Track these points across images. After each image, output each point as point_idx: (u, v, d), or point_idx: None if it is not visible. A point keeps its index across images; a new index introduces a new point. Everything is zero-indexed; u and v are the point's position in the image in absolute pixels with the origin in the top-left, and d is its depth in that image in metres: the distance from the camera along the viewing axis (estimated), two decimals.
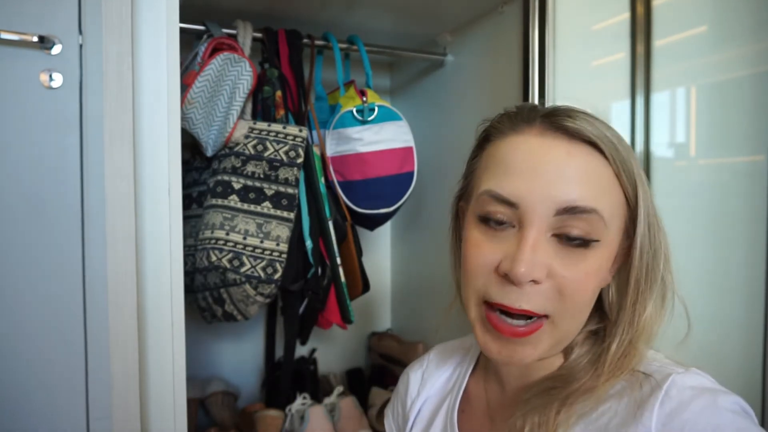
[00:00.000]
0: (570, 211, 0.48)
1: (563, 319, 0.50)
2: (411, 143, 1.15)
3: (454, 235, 0.64)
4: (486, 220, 0.51)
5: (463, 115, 1.23)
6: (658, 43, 1.06)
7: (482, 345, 0.52)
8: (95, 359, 0.68)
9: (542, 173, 0.48)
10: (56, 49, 0.66)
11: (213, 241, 0.95)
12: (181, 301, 0.73)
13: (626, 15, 1.05)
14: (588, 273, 0.49)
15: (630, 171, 0.50)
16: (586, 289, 0.49)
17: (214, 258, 0.94)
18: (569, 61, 1.00)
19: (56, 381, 0.66)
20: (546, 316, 0.50)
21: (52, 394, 0.66)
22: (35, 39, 0.64)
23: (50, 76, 0.66)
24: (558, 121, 0.50)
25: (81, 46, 0.67)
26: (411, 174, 1.14)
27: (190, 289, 0.99)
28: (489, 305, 0.51)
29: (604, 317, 0.55)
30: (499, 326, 0.50)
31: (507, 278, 0.49)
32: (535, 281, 0.48)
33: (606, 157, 0.49)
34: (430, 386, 0.67)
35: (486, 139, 0.56)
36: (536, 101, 0.99)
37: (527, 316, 0.49)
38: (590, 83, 1.04)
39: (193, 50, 1.00)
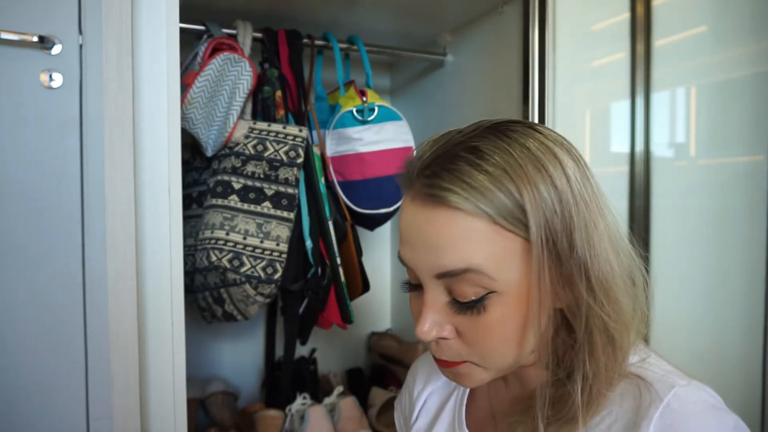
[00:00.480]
0: (445, 275, 0.49)
1: (485, 361, 0.51)
2: (411, 143, 1.15)
3: None
4: (409, 284, 0.55)
5: (463, 115, 1.23)
6: (658, 43, 1.06)
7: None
8: (95, 359, 0.68)
9: (415, 242, 0.50)
10: (56, 49, 0.66)
11: (213, 241, 0.95)
12: (181, 301, 0.73)
13: (626, 15, 1.05)
14: (489, 326, 0.49)
15: (510, 209, 0.47)
16: (494, 337, 0.50)
17: (214, 258, 0.94)
18: (569, 61, 1.00)
19: (56, 381, 0.66)
20: (465, 361, 0.52)
21: (52, 394, 0.66)
22: (35, 39, 0.64)
23: (50, 76, 0.66)
24: (422, 187, 0.49)
25: (81, 46, 0.67)
26: None
27: (190, 289, 0.99)
28: None
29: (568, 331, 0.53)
30: (436, 361, 0.54)
31: None
32: (443, 338, 0.51)
33: (471, 215, 0.47)
34: (437, 379, 0.68)
35: None
36: (536, 101, 0.99)
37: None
38: (590, 83, 1.04)
39: (193, 50, 1.00)
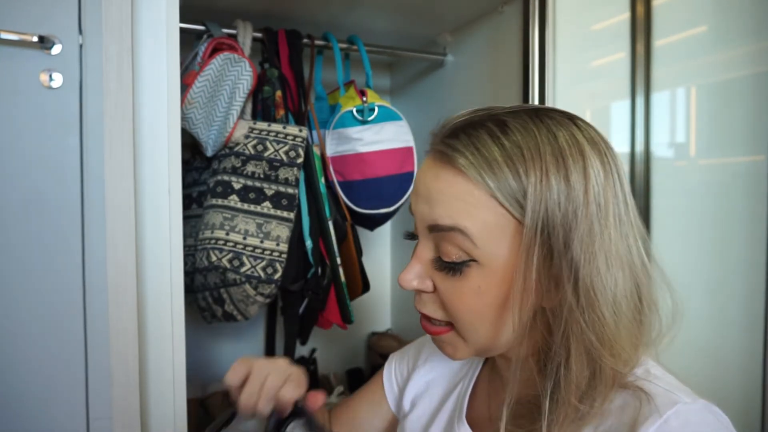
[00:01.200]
0: (435, 229, 0.50)
1: (464, 331, 0.52)
2: (411, 143, 1.15)
3: None
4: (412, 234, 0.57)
5: None
6: (658, 43, 1.06)
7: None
8: (95, 359, 0.68)
9: (420, 193, 0.53)
10: (56, 49, 0.66)
11: (213, 241, 0.95)
12: (181, 301, 0.73)
13: (626, 15, 1.05)
14: (464, 293, 0.50)
15: (512, 188, 0.47)
16: (467, 307, 0.50)
17: (214, 258, 0.94)
18: (569, 61, 1.00)
19: (56, 381, 0.66)
20: (449, 326, 0.53)
21: (52, 394, 0.66)
22: (35, 39, 0.64)
23: (50, 76, 0.66)
24: (439, 146, 0.52)
25: (81, 46, 0.67)
26: (411, 174, 1.14)
27: (190, 289, 0.99)
28: None
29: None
30: (422, 323, 0.56)
31: None
32: (421, 290, 0.53)
33: (473, 182, 0.48)
34: (439, 361, 0.69)
35: None
36: (536, 101, 0.99)
37: (430, 319, 0.54)
38: (590, 83, 1.04)
39: (193, 50, 1.00)
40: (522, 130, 0.48)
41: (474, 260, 0.49)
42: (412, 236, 0.56)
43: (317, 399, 0.56)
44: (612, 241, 0.47)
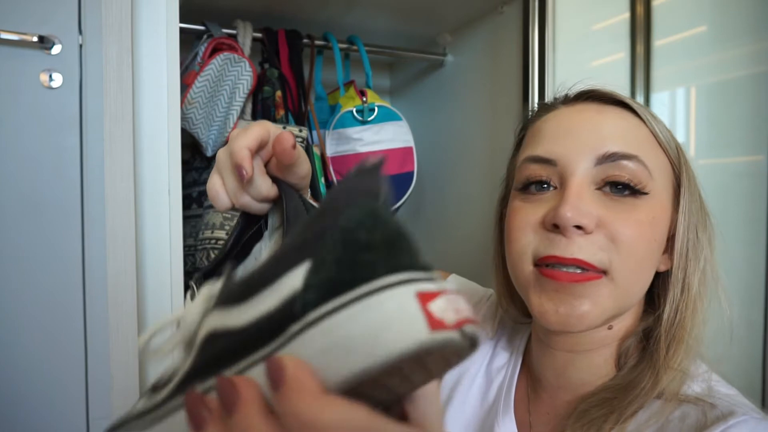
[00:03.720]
0: (610, 157, 0.47)
1: (621, 274, 0.46)
2: (411, 143, 1.15)
3: (498, 241, 0.60)
4: (526, 187, 0.51)
5: (463, 115, 1.23)
6: (657, 43, 1.06)
7: (538, 308, 0.48)
8: (95, 359, 0.68)
9: (576, 132, 0.49)
10: (56, 49, 0.66)
11: (213, 241, 0.95)
12: (181, 301, 0.73)
13: (626, 15, 1.05)
14: (641, 223, 0.47)
15: (668, 136, 0.51)
16: (641, 240, 0.46)
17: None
18: (569, 61, 1.00)
19: (56, 381, 0.66)
20: (604, 273, 0.47)
21: (52, 394, 0.66)
22: (35, 39, 0.64)
23: (50, 76, 0.65)
24: (586, 92, 0.53)
25: (81, 46, 0.67)
26: (411, 174, 1.14)
27: None
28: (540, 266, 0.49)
29: (652, 313, 0.52)
30: (555, 274, 0.47)
31: (555, 230, 0.47)
32: (583, 229, 0.46)
33: (639, 117, 0.50)
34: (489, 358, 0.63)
35: (521, 135, 0.58)
36: (536, 101, 0.99)
37: (582, 267, 0.46)
38: (590, 83, 1.04)
39: (193, 50, 1.00)
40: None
41: (647, 192, 0.48)
42: (537, 187, 0.50)
43: (282, 141, 0.36)
44: (714, 236, 0.53)
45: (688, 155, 0.53)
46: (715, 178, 1.11)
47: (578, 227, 0.46)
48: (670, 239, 0.51)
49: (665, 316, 0.49)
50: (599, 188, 0.48)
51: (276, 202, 0.40)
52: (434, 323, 0.19)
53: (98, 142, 0.67)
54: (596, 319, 0.47)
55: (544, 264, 0.48)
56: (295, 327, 0.21)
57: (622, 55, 1.05)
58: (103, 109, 0.67)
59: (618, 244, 0.46)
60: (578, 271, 0.47)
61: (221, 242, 0.94)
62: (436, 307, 0.20)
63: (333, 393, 0.20)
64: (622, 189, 0.47)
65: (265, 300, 0.23)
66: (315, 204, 0.40)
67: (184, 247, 0.77)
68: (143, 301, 0.71)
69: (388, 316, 0.19)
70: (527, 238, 0.49)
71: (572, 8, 0.99)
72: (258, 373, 0.22)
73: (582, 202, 0.46)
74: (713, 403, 0.45)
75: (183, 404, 0.23)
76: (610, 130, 0.48)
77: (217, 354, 0.24)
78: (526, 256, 0.50)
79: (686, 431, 0.44)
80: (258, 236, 0.41)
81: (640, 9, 1.04)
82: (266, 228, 0.41)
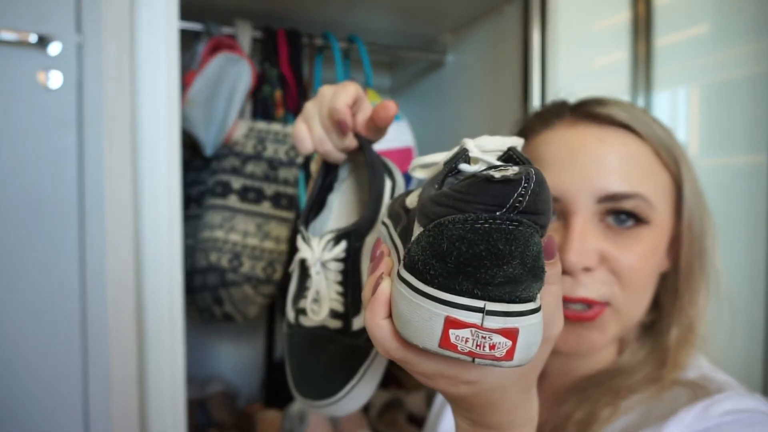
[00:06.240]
0: (611, 199, 0.47)
1: (625, 305, 0.49)
2: (411, 143, 1.14)
3: None
4: None
5: (463, 115, 1.22)
6: (658, 42, 1.05)
7: None
8: (94, 360, 0.67)
9: (579, 163, 0.48)
10: (55, 49, 0.65)
11: (212, 241, 0.95)
12: (181, 301, 0.73)
13: (627, 14, 1.05)
14: (643, 254, 0.48)
15: (669, 148, 0.50)
16: (643, 271, 0.48)
17: (213, 258, 0.94)
18: (569, 61, 0.99)
19: (55, 381, 0.66)
20: (607, 304, 0.49)
21: (51, 395, 0.66)
22: (33, 38, 0.64)
23: (49, 75, 0.65)
24: (587, 109, 0.51)
25: (80, 45, 0.67)
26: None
27: (189, 289, 0.99)
28: None
29: (657, 309, 0.54)
30: (567, 315, 0.48)
31: None
32: (587, 269, 0.48)
33: (641, 138, 0.49)
34: None
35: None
36: (536, 101, 0.99)
37: (587, 304, 0.48)
38: (591, 83, 1.04)
39: (193, 49, 1.00)
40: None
41: (648, 223, 0.48)
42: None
43: (387, 108, 0.42)
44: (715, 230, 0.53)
45: (687, 156, 0.53)
46: (715, 177, 1.11)
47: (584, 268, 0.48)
48: (671, 241, 0.51)
49: (665, 314, 0.51)
50: (602, 220, 0.49)
51: (350, 154, 0.47)
52: (447, 345, 0.25)
53: (97, 142, 0.67)
54: (604, 343, 0.50)
55: None
56: (397, 268, 0.29)
57: (623, 55, 1.05)
58: (102, 109, 0.66)
59: (620, 278, 0.48)
60: (584, 307, 0.49)
61: (220, 242, 0.94)
62: (456, 335, 0.25)
63: (388, 321, 0.29)
64: (624, 219, 0.48)
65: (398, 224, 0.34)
66: (382, 157, 0.48)
67: (184, 247, 0.77)
68: (143, 301, 0.70)
69: (420, 318, 0.26)
70: None
71: (573, 8, 0.99)
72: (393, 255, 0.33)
73: (585, 243, 0.47)
74: (703, 385, 0.47)
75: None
76: (613, 163, 0.48)
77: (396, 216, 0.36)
78: None
79: (676, 408, 0.46)
80: (329, 189, 0.50)
81: (641, 8, 1.04)
82: (336, 180, 0.50)
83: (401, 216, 0.36)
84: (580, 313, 0.48)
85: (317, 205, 0.49)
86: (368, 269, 0.33)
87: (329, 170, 0.49)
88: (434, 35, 1.30)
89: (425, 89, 1.39)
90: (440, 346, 0.25)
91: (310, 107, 0.44)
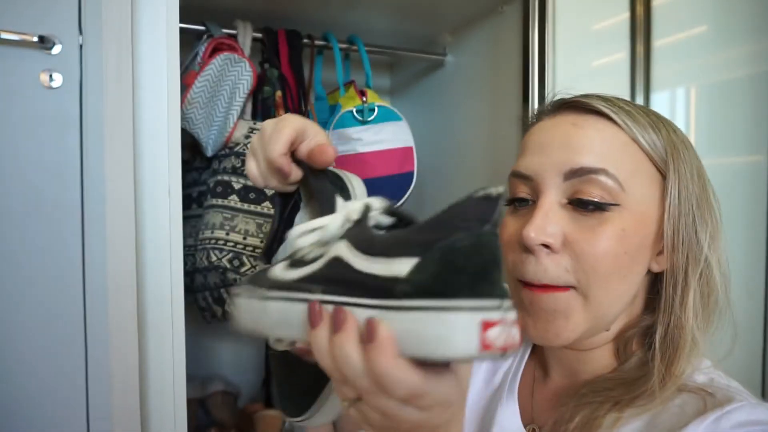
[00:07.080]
0: (577, 173, 0.48)
1: (591, 290, 0.48)
2: (411, 143, 1.15)
3: None
4: (512, 202, 0.54)
5: (463, 115, 1.23)
6: (657, 43, 1.05)
7: (521, 323, 0.51)
8: (95, 359, 0.68)
9: (550, 145, 0.50)
10: (56, 49, 0.66)
11: (213, 241, 0.95)
12: (181, 301, 0.73)
13: (626, 15, 1.05)
14: (608, 237, 0.47)
15: (653, 139, 0.50)
16: (608, 254, 0.47)
17: (214, 258, 0.94)
18: (569, 61, 0.99)
19: (56, 381, 0.66)
20: (573, 287, 0.49)
21: (52, 394, 0.66)
22: (35, 39, 0.64)
23: (50, 76, 0.66)
24: (568, 101, 0.53)
25: (81, 46, 0.67)
26: (411, 174, 1.14)
27: (190, 289, 0.99)
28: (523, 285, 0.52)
29: (652, 311, 0.53)
30: (528, 291, 0.50)
31: (526, 249, 0.49)
32: (549, 247, 0.48)
33: (618, 125, 0.50)
34: None
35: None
36: (536, 102, 0.99)
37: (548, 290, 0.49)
38: (590, 83, 1.04)
39: (193, 50, 1.00)
40: (657, 116, 0.54)
41: (617, 204, 0.48)
42: (519, 202, 0.52)
43: (325, 153, 0.42)
44: (719, 229, 0.52)
45: (686, 154, 0.52)
46: (715, 178, 1.10)
47: (544, 245, 0.48)
48: (660, 237, 0.51)
49: (660, 316, 0.51)
50: (570, 202, 0.49)
51: (302, 181, 0.47)
52: (485, 346, 0.27)
53: (98, 142, 0.67)
54: (572, 333, 0.49)
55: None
56: (392, 303, 0.29)
57: (623, 55, 1.05)
58: (103, 110, 0.66)
59: (583, 263, 0.48)
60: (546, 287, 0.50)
61: (221, 242, 0.95)
62: (492, 334, 0.27)
63: (402, 358, 0.29)
64: (587, 204, 0.48)
65: (378, 265, 0.31)
66: (337, 172, 0.47)
67: (184, 247, 0.77)
68: (143, 301, 0.71)
69: (456, 330, 0.27)
70: (509, 259, 0.52)
71: (572, 8, 0.99)
72: (360, 315, 0.30)
73: (548, 221, 0.48)
74: (712, 393, 0.46)
75: (305, 300, 0.33)
76: (581, 142, 0.49)
77: (337, 276, 0.33)
78: (512, 279, 0.53)
79: (685, 418, 0.45)
80: (297, 208, 0.51)
81: (640, 9, 1.04)
82: (301, 200, 0.51)
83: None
84: (539, 290, 0.49)
85: (279, 239, 0.50)
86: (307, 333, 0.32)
87: (285, 200, 0.51)
88: (434, 36, 1.31)
89: (425, 89, 1.39)
90: (481, 350, 0.27)
91: (255, 143, 0.45)
